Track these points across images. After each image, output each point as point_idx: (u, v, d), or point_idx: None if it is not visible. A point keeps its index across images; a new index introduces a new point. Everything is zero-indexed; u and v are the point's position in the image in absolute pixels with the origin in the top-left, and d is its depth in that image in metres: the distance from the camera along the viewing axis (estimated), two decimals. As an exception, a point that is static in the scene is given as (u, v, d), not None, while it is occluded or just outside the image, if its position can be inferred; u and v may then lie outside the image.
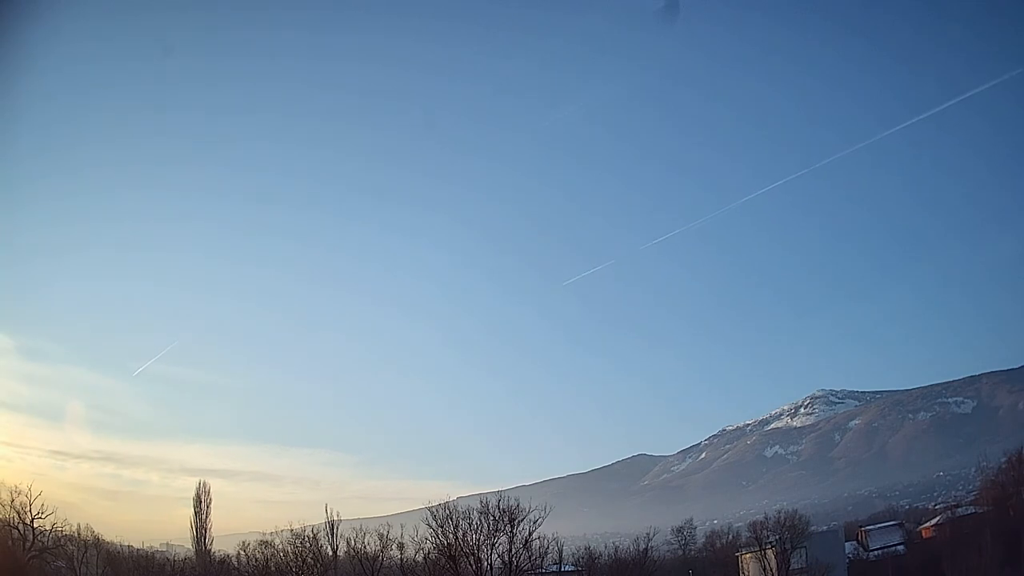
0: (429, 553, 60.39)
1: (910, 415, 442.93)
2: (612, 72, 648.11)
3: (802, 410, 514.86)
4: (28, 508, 58.91)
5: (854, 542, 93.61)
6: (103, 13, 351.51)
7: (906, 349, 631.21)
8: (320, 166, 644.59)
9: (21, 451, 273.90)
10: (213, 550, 79.82)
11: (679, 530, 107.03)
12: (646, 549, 76.17)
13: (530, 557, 60.27)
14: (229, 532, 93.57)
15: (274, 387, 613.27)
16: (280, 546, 63.28)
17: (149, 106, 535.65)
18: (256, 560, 64.44)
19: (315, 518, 65.83)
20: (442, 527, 58.35)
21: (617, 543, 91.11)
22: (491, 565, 58.17)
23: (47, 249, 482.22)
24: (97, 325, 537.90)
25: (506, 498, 61.22)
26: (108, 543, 74.18)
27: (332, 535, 62.92)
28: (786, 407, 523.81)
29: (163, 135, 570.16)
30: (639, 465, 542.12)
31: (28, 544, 58.71)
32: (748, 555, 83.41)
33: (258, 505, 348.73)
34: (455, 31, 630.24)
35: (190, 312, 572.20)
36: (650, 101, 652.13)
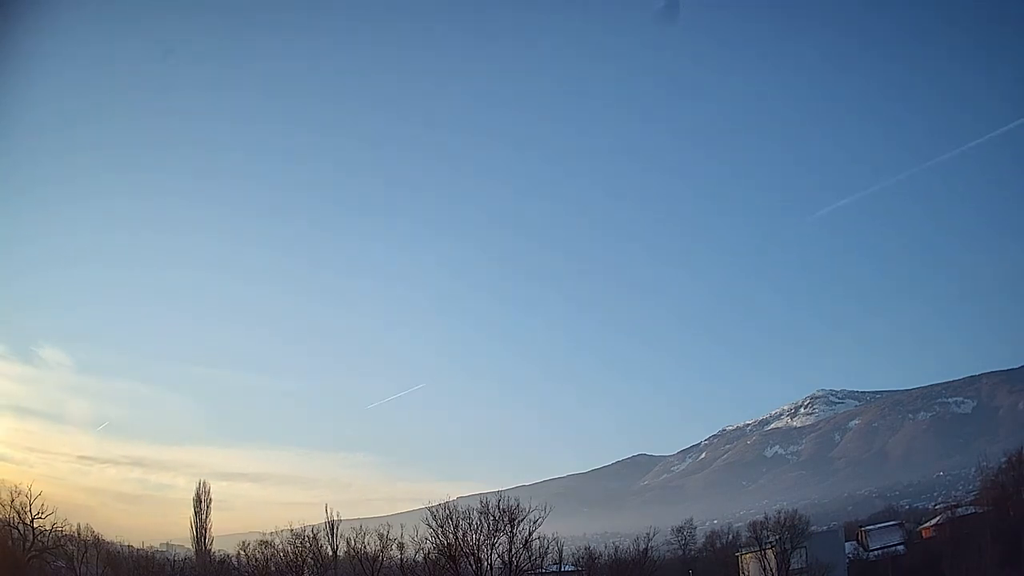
0: (429, 553, 60.43)
1: (910, 415, 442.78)
2: (623, 78, 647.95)
3: (802, 410, 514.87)
4: (28, 508, 59.00)
5: (854, 542, 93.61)
6: (103, 16, 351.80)
7: (906, 349, 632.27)
8: (328, 171, 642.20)
9: (47, 457, 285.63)
10: (213, 550, 79.95)
11: (679, 530, 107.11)
12: (646, 549, 76.13)
13: (530, 557, 60.31)
14: (229, 532, 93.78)
15: (312, 391, 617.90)
16: (280, 546, 63.33)
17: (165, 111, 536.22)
18: (256, 560, 64.42)
19: (317, 518, 65.98)
20: (442, 527, 58.43)
21: (617, 543, 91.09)
22: (491, 565, 58.18)
23: (97, 266, 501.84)
24: (144, 336, 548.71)
25: (506, 498, 61.30)
26: (108, 543, 74.26)
27: (332, 535, 62.98)
28: (786, 407, 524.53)
29: (167, 146, 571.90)
30: (639, 465, 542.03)
31: (28, 544, 58.75)
32: (748, 555, 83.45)
33: (285, 507, 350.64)
34: (455, 37, 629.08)
35: (224, 324, 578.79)
36: (657, 107, 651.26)
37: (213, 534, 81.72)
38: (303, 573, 59.99)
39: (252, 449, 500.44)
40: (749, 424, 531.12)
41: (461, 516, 58.69)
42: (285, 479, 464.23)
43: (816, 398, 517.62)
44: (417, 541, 62.06)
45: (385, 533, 61.66)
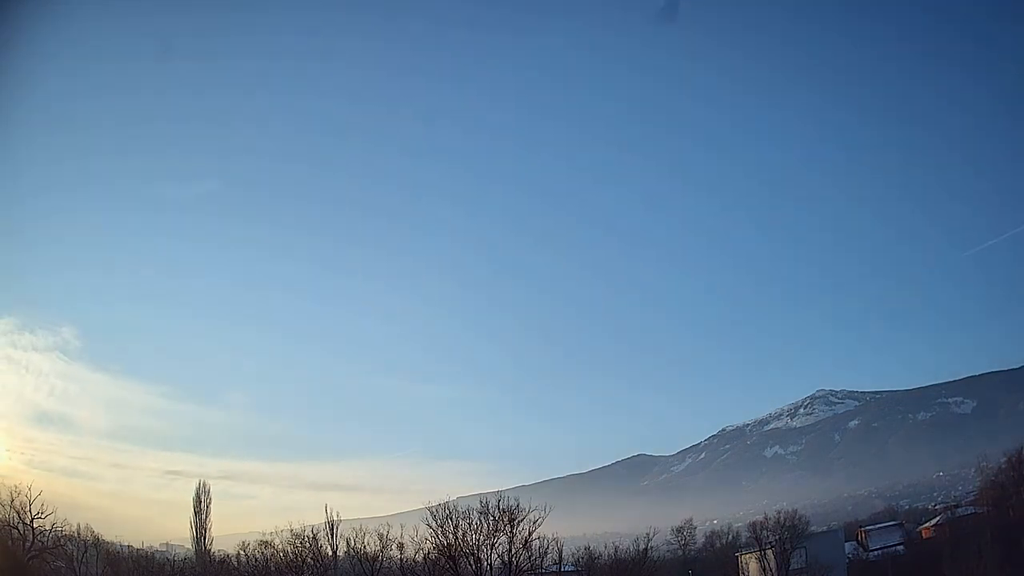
0: (429, 553, 60.37)
1: (910, 415, 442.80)
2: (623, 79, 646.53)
3: (802, 410, 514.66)
4: (28, 508, 58.82)
5: (854, 542, 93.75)
6: (102, 15, 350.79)
7: (906, 349, 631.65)
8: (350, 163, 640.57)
9: (136, 472, 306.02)
10: (213, 550, 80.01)
11: (679, 530, 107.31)
12: (646, 549, 76.03)
13: (530, 557, 60.17)
14: (229, 532, 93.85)
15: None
16: (280, 546, 63.23)
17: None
18: (256, 560, 64.43)
19: (317, 518, 65.92)
20: (442, 527, 58.36)
21: (617, 543, 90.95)
22: (491, 565, 58.12)
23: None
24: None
25: (506, 498, 61.18)
26: (108, 543, 74.16)
27: (332, 535, 62.92)
28: (786, 407, 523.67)
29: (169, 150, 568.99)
30: (639, 465, 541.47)
31: (28, 544, 58.56)
32: (748, 555, 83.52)
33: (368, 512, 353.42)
34: (454, 37, 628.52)
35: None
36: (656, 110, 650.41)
37: (213, 534, 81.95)
38: (303, 573, 59.96)
39: (355, 459, 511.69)
40: (749, 424, 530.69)
41: (461, 516, 58.55)
42: (376, 489, 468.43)
43: (816, 398, 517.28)
44: (417, 541, 62.04)
45: (385, 533, 61.64)
